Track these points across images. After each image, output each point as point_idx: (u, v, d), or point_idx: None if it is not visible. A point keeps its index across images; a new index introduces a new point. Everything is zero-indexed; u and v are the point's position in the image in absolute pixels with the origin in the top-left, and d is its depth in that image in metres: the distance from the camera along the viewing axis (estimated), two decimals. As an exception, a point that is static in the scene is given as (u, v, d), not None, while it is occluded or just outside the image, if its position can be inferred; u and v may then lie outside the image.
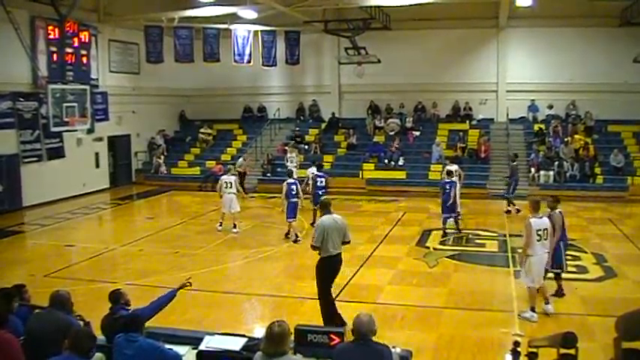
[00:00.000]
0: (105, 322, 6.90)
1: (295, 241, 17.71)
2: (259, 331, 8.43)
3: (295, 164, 26.71)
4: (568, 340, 5.11)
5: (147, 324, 6.56)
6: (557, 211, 12.06)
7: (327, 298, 10.41)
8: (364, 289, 13.07)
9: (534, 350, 6.63)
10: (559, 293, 12.14)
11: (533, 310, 11.02)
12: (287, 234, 18.21)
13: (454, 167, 21.10)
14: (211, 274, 13.86)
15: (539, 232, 10.92)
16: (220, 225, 19.30)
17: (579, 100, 30.16)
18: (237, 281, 13.76)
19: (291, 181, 18.37)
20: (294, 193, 17.98)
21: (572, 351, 5.13)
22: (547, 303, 11.30)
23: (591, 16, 28.20)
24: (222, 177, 19.90)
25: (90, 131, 25.06)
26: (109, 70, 28.16)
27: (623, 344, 3.56)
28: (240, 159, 28.09)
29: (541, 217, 11.16)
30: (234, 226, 19.15)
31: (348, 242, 10.55)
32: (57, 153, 24.76)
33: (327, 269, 10.39)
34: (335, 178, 26.04)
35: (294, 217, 18.16)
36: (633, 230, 19.38)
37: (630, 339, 3.48)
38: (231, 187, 19.07)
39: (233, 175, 20.23)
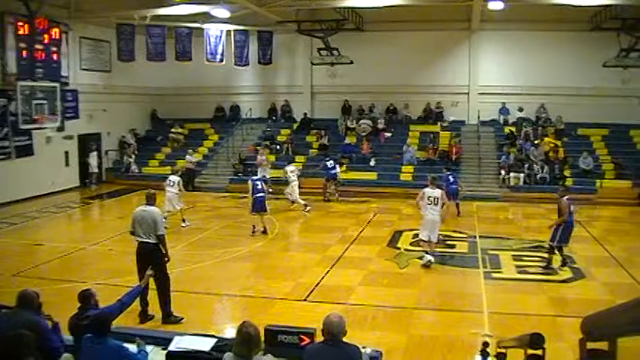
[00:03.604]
0: (72, 323, 6.82)
1: (264, 232, 18.55)
2: (230, 332, 8.41)
3: (267, 165, 26.67)
4: (535, 340, 5.15)
5: (115, 323, 6.51)
6: (564, 198, 14.70)
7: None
8: (335, 289, 13.07)
9: (503, 351, 6.68)
10: (564, 263, 14.63)
11: (427, 253, 14.94)
12: (253, 231, 18.69)
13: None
14: (181, 275, 13.71)
15: (429, 199, 14.82)
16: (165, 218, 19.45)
17: (549, 104, 30.43)
18: (207, 281, 13.66)
19: (255, 177, 19.53)
20: (259, 188, 18.63)
21: (539, 351, 5.17)
22: (427, 253, 14.93)
23: (562, 21, 28.45)
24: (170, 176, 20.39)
25: (60, 129, 24.84)
26: (80, 67, 27.83)
27: (588, 344, 3.61)
28: (188, 155, 28.19)
29: (434, 189, 15.02)
30: (183, 220, 19.80)
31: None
32: (26, 151, 24.45)
33: None
34: (306, 179, 26.01)
35: (258, 212, 18.65)
36: (601, 232, 19.65)
37: (594, 339, 3.53)
38: (172, 186, 19.55)
39: (178, 174, 20.64)
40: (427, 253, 14.95)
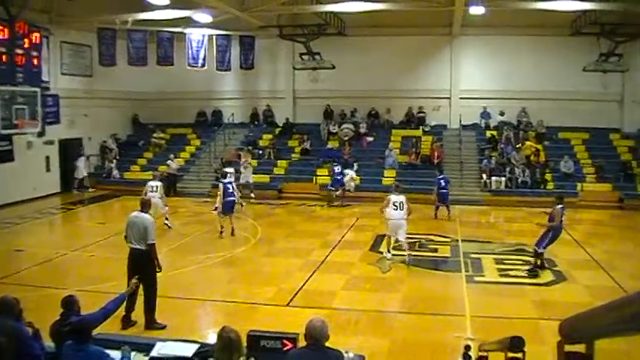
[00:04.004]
0: (54, 329, 6.76)
1: (220, 234, 18.91)
2: (212, 338, 8.40)
3: (250, 169, 26.67)
4: (515, 344, 5.18)
5: (97, 330, 6.46)
6: (558, 206, 14.90)
7: None
8: (318, 294, 13.07)
9: (484, 354, 6.71)
10: (542, 266, 14.92)
11: (388, 251, 16.17)
12: (221, 232, 18.98)
13: None
14: (164, 280, 13.60)
15: (395, 204, 15.80)
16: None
17: (531, 108, 30.63)
18: (189, 287, 13.60)
19: (226, 181, 19.47)
20: (230, 191, 18.94)
21: (519, 354, 5.20)
22: (389, 251, 16.17)
23: (543, 26, 28.67)
24: (149, 182, 20.73)
25: (40, 134, 24.64)
26: (61, 72, 27.71)
27: (566, 347, 3.65)
28: (169, 161, 28.22)
29: (398, 195, 16.06)
30: (166, 219, 20.10)
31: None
32: (6, 156, 24.20)
33: None
34: (289, 184, 26.01)
35: (226, 213, 18.96)
36: (583, 236, 19.78)
37: (572, 342, 3.57)
38: (155, 191, 19.64)
39: (159, 179, 21.17)
40: (388, 251, 16.24)
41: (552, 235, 14.81)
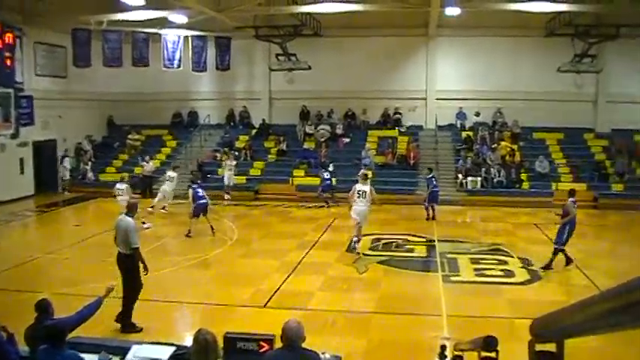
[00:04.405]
0: (29, 333, 6.70)
1: (188, 235, 19.02)
2: (189, 340, 8.37)
3: (232, 171, 26.57)
4: (488, 343, 5.21)
5: (73, 334, 6.41)
6: (570, 200, 15.61)
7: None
8: (295, 295, 13.06)
9: (460, 354, 6.74)
10: (568, 260, 15.19)
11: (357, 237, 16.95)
12: (189, 233, 19.11)
13: None
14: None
15: (359, 192, 16.67)
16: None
17: (506, 108, 30.83)
18: (166, 289, 13.51)
19: (195, 185, 19.85)
20: (200, 195, 19.33)
21: (492, 354, 5.23)
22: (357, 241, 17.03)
23: (518, 27, 28.88)
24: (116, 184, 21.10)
25: (14, 136, 24.42)
26: (35, 73, 27.49)
27: (537, 346, 3.69)
28: (144, 162, 28.18)
29: (364, 185, 16.92)
30: (143, 222, 19.76)
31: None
32: (-21, 158, 24.06)
33: None
34: (265, 185, 26.00)
35: (199, 216, 19.25)
36: (558, 235, 19.91)
37: (543, 341, 3.60)
38: (122, 195, 19.92)
39: (126, 182, 21.32)
40: (357, 237, 17.09)
41: (569, 228, 15.19)
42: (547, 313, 3.46)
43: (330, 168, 28.23)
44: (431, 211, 22.54)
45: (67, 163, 29.04)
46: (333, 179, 26.49)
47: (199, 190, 19.58)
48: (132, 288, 10.71)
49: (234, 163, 27.19)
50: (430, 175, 23.24)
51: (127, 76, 30.43)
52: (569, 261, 15.13)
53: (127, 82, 31.61)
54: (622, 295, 2.21)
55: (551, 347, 3.52)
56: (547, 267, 15.08)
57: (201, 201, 19.22)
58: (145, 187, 26.57)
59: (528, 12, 25.23)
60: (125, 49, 28.19)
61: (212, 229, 19.14)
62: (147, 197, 24.84)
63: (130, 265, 10.69)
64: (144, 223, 19.86)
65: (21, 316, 7.36)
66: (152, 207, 23.15)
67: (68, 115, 29.75)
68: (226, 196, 25.92)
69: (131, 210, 11.26)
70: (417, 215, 22.75)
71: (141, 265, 10.80)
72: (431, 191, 22.62)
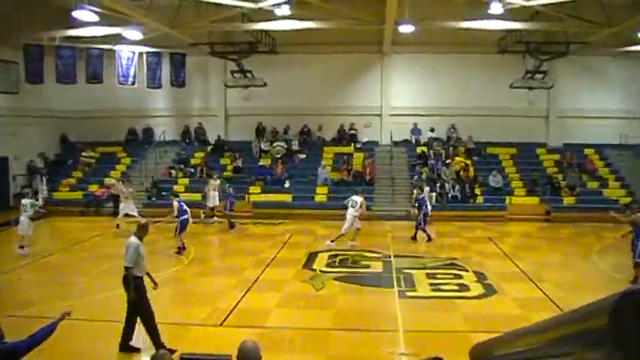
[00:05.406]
0: (-21, 357, 6.56)
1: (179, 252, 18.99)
2: (144, 360, 8.28)
3: (217, 190, 26.20)
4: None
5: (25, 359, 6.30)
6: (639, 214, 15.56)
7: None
8: (252, 313, 12.95)
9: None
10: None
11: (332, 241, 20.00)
12: (183, 248, 19.16)
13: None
14: (95, 303, 13.39)
15: (353, 202, 20.53)
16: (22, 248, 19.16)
17: (460, 124, 31.28)
18: (122, 309, 13.31)
19: (179, 199, 19.97)
20: (183, 209, 19.30)
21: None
22: (332, 241, 20.32)
23: (471, 44, 29.35)
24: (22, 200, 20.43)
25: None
26: (-14, 89, 27.03)
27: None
28: (114, 180, 27.93)
29: (358, 197, 20.62)
30: (22, 247, 19.12)
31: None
32: None
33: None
34: (221, 202, 25.81)
35: (183, 231, 19.32)
36: (512, 248, 20.23)
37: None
38: (26, 210, 19.44)
39: (29, 197, 20.68)
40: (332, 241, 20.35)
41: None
42: (484, 341, 3.53)
43: (287, 184, 28.25)
44: (420, 232, 21.63)
45: (43, 182, 28.72)
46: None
47: (183, 204, 19.65)
48: (133, 307, 10.49)
49: (218, 182, 26.63)
50: (422, 196, 22.42)
51: (81, 92, 30.10)
52: None
53: (80, 98, 31.29)
54: (550, 329, 2.28)
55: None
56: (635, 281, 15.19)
57: (185, 216, 19.21)
58: (115, 206, 26.47)
59: (481, 30, 25.64)
60: (79, 66, 27.87)
61: (182, 248, 19.15)
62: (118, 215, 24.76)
63: (129, 282, 10.41)
64: (22, 247, 19.09)
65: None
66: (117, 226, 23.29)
67: (21, 132, 29.35)
68: (215, 218, 25.74)
69: (140, 230, 10.82)
70: (374, 231, 22.85)
71: (150, 283, 10.81)
72: (425, 212, 21.69)
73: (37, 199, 23.84)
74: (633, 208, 18.38)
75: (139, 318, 10.37)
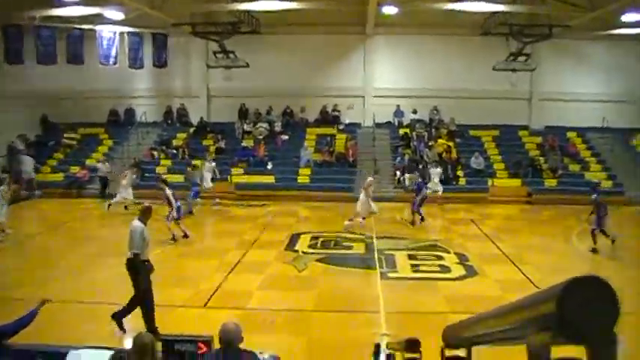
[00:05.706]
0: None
1: (185, 236, 18.56)
2: (128, 343, 8.32)
3: (211, 172, 26.09)
4: (410, 346, 5.31)
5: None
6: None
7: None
8: (234, 295, 13.00)
9: (392, 352, 6.86)
10: None
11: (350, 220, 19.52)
12: (185, 235, 18.67)
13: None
14: (77, 285, 13.37)
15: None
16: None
17: (442, 106, 31.35)
18: (105, 291, 13.26)
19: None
20: (176, 196, 18.99)
21: (416, 354, 5.33)
22: (351, 220, 19.66)
23: (454, 26, 29.42)
24: None
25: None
26: (-35, 71, 26.77)
27: (447, 352, 3.86)
28: (99, 164, 27.83)
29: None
30: (3, 231, 18.70)
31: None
32: None
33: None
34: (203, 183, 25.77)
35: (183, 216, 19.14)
36: (493, 230, 20.40)
37: (453, 347, 3.77)
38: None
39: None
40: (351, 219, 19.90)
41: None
42: (457, 322, 3.62)
43: (269, 166, 28.26)
44: (417, 216, 21.60)
45: (29, 162, 28.54)
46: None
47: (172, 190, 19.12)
48: (135, 295, 10.30)
49: (214, 164, 26.44)
50: (419, 181, 22.79)
51: (62, 73, 29.84)
52: None
53: (61, 79, 30.89)
54: (507, 313, 2.38)
55: (461, 352, 3.68)
56: None
57: (178, 203, 18.69)
58: (102, 187, 26.45)
59: (464, 11, 25.68)
60: (60, 46, 27.67)
61: (175, 236, 18.42)
62: (105, 197, 24.96)
63: (133, 269, 10.24)
64: (3, 231, 18.65)
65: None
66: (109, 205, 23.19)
67: (0, 113, 28.99)
68: (216, 200, 25.61)
69: (144, 214, 10.63)
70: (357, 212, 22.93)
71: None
72: (423, 197, 21.84)
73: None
74: (598, 190, 19.38)
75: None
